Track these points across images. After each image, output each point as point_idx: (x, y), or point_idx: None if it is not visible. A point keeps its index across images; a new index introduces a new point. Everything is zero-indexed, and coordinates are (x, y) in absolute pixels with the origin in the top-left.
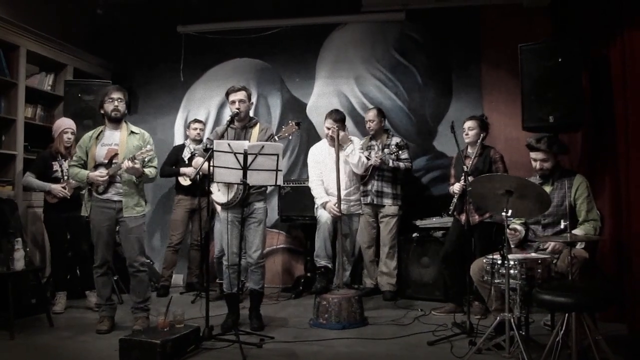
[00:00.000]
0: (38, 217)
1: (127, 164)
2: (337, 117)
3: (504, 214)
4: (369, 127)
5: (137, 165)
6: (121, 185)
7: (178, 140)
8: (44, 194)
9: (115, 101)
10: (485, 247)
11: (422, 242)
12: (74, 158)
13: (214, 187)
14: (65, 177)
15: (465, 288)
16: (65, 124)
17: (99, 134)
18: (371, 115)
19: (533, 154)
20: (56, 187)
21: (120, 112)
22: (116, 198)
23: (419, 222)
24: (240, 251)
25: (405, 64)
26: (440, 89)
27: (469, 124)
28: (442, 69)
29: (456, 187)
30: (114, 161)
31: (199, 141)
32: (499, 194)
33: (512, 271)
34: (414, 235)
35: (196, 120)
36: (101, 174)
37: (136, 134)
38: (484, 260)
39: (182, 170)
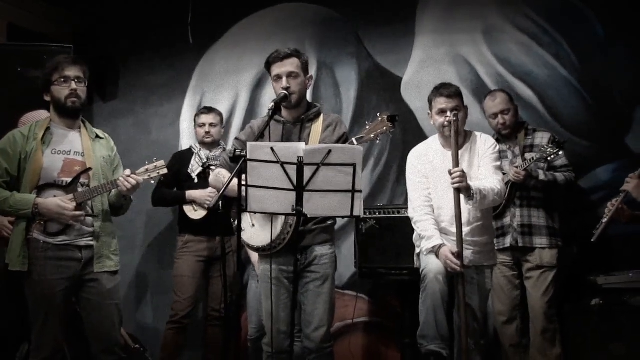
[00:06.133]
0: None
1: (132, 178)
2: (452, 91)
3: None
4: (499, 124)
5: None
6: (92, 221)
7: (186, 141)
8: None
9: (71, 81)
10: None
11: (611, 315)
12: None
13: (245, 222)
14: None
15: None
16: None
17: (44, 134)
18: (499, 102)
19: None
20: None
21: (81, 99)
22: (83, 242)
23: (601, 279)
24: (293, 329)
25: (575, 3)
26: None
27: None
28: None
29: None
30: (80, 181)
31: (211, 145)
32: None
33: None
34: (594, 302)
35: (204, 111)
36: (65, 202)
37: (101, 138)
38: None
39: (190, 194)
